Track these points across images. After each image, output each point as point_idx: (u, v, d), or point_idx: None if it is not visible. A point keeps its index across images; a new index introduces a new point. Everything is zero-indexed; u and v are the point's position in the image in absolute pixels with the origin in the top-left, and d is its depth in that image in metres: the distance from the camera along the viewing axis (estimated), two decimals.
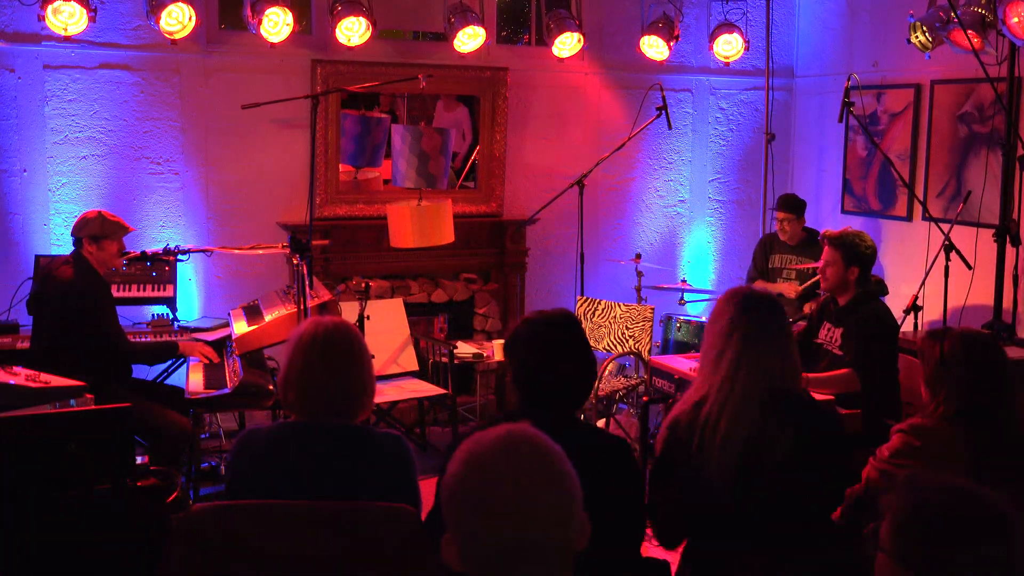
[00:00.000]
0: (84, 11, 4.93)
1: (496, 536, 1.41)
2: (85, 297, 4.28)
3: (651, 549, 3.06)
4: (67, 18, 4.93)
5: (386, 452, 2.48)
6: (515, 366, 2.48)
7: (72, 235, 4.40)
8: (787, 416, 2.58)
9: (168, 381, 5.14)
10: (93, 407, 3.23)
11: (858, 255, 4.20)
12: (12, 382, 3.71)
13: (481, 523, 1.41)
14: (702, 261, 7.04)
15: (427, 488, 2.49)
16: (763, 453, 2.54)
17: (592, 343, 5.61)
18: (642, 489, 2.50)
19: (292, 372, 2.51)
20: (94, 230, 4.33)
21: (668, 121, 5.89)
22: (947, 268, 5.07)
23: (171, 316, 5.33)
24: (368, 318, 5.17)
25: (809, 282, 5.70)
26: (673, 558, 2.77)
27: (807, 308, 5.46)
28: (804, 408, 2.65)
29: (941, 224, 5.22)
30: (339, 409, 2.49)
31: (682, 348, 5.78)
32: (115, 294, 5.11)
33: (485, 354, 5.77)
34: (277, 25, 5.32)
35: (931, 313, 5.54)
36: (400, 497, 2.33)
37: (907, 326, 4.98)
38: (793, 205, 5.90)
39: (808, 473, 2.57)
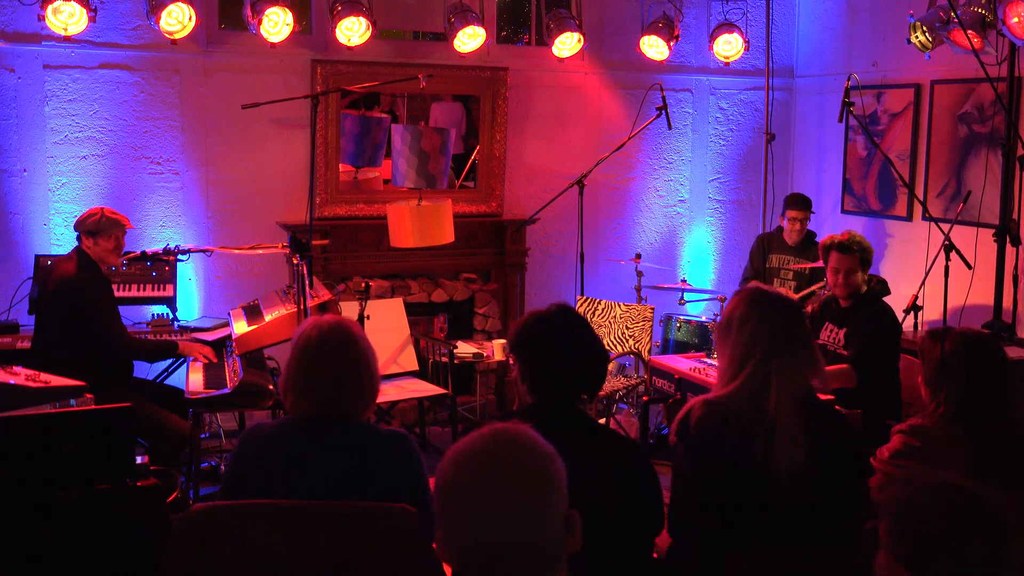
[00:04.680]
0: (84, 11, 4.93)
1: (477, 534, 1.41)
2: (84, 292, 4.29)
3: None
4: (67, 18, 4.93)
5: (391, 451, 2.48)
6: (522, 361, 2.46)
7: (74, 229, 4.44)
8: (805, 421, 2.56)
9: (168, 381, 5.15)
10: (93, 407, 3.22)
11: (869, 257, 4.25)
12: (12, 382, 3.71)
13: (463, 521, 1.43)
14: (702, 261, 7.04)
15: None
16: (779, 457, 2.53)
17: None
18: (658, 493, 2.48)
19: (291, 372, 2.51)
20: (90, 226, 4.36)
21: (668, 121, 5.90)
22: (947, 268, 5.07)
23: (171, 316, 5.33)
24: (368, 318, 5.16)
25: (807, 290, 5.70)
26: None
27: (809, 307, 5.46)
28: (821, 414, 2.63)
29: (941, 224, 5.22)
30: (337, 406, 2.48)
31: (682, 348, 5.78)
32: (115, 294, 5.12)
33: (485, 354, 5.77)
34: (277, 25, 5.32)
35: (931, 313, 5.54)
36: (406, 497, 2.33)
37: (907, 326, 4.97)
38: (807, 203, 5.93)
39: (822, 480, 2.55)
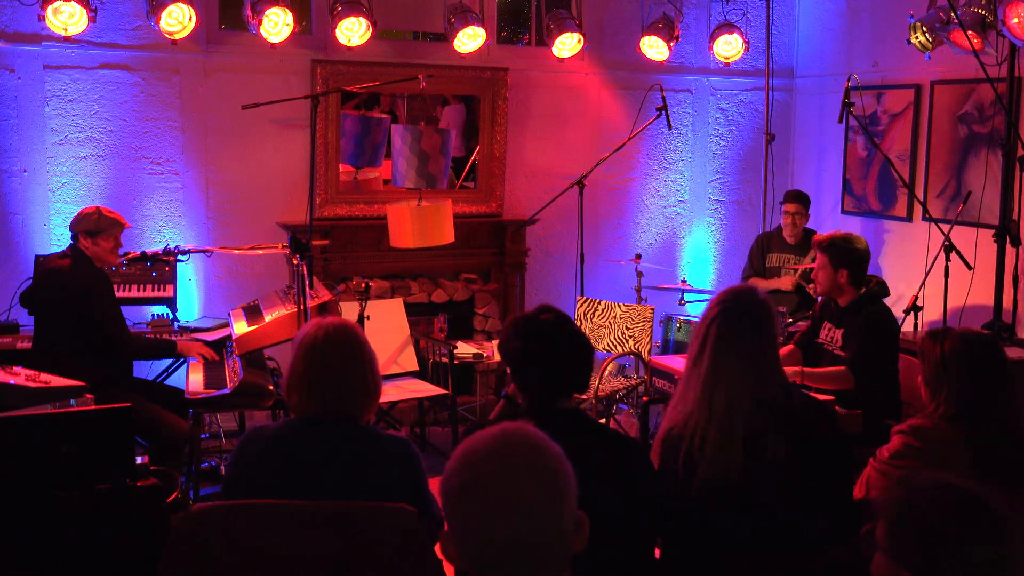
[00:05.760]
0: (84, 11, 4.93)
1: (488, 533, 1.41)
2: (83, 285, 4.27)
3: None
4: (67, 18, 4.93)
5: (391, 454, 2.48)
6: (508, 365, 2.50)
7: (70, 230, 4.41)
8: (780, 420, 2.57)
9: (168, 381, 5.15)
10: (93, 407, 3.22)
11: (845, 257, 4.19)
12: (12, 382, 3.71)
13: (474, 519, 1.42)
14: (702, 261, 7.04)
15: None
16: (758, 458, 2.54)
17: (592, 343, 5.63)
18: (657, 490, 2.49)
19: (294, 374, 2.51)
20: (89, 226, 4.33)
21: (668, 121, 5.90)
22: (947, 268, 5.07)
23: (171, 316, 5.33)
24: (368, 318, 5.16)
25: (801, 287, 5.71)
26: None
27: (811, 289, 5.46)
28: (799, 410, 2.64)
29: (941, 224, 5.22)
30: (340, 408, 2.49)
31: (682, 348, 5.77)
32: (115, 294, 5.11)
33: (485, 354, 5.77)
34: (277, 25, 5.32)
35: (931, 313, 5.55)
36: (406, 499, 2.33)
37: (907, 326, 4.98)
38: (804, 198, 5.93)
39: (806, 475, 2.57)
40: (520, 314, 2.58)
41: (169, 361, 5.14)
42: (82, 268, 4.30)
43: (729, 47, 6.50)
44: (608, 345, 5.69)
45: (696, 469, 2.55)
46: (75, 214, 4.46)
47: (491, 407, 6.15)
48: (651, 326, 5.61)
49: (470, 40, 5.85)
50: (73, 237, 4.38)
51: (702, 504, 2.58)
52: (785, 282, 5.84)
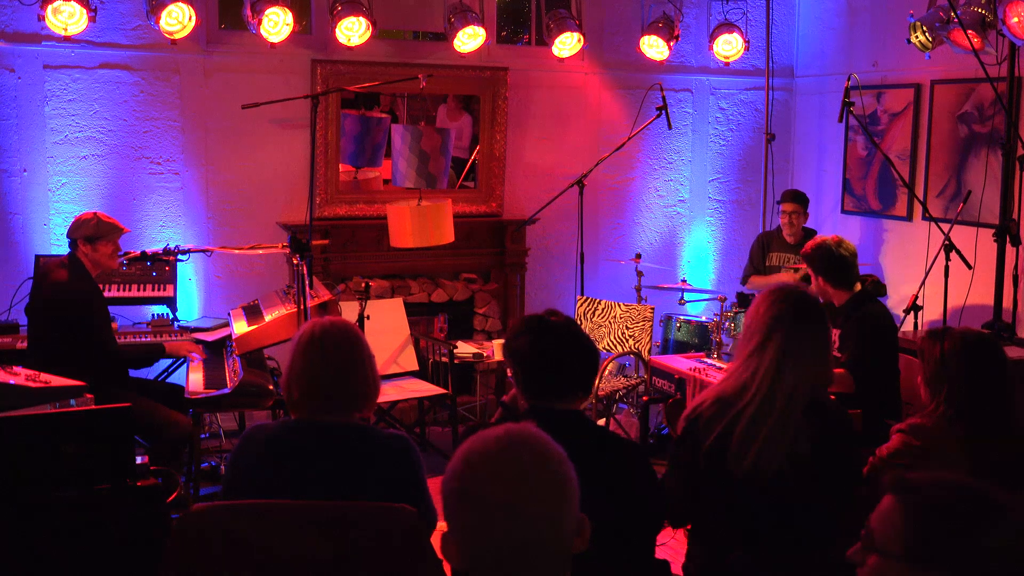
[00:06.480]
0: (84, 11, 4.93)
1: (489, 534, 1.41)
2: (76, 300, 4.26)
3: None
4: (67, 18, 4.93)
5: (392, 452, 2.48)
6: (513, 366, 2.50)
7: (68, 237, 4.38)
8: (814, 416, 2.59)
9: (168, 381, 5.14)
10: (93, 407, 3.22)
11: (818, 263, 4.24)
12: (12, 382, 3.70)
13: (475, 521, 1.42)
14: (702, 261, 7.04)
15: (430, 487, 2.50)
16: (795, 451, 2.56)
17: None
18: (656, 492, 2.50)
19: (293, 372, 2.52)
20: (88, 231, 4.31)
21: (668, 121, 5.90)
22: (947, 268, 5.07)
23: (171, 316, 5.33)
24: (368, 318, 5.17)
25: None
26: (675, 558, 2.77)
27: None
28: (822, 409, 2.66)
29: (941, 224, 5.22)
30: (340, 406, 2.49)
31: (682, 348, 5.78)
32: (115, 294, 5.12)
33: (485, 354, 5.77)
34: (277, 25, 5.32)
35: (931, 313, 5.54)
36: (406, 497, 2.33)
37: (907, 326, 4.98)
38: (802, 198, 5.93)
39: (826, 473, 2.58)
40: (529, 316, 2.58)
41: (168, 361, 5.14)
42: (75, 281, 4.28)
43: (729, 47, 6.50)
44: (608, 345, 5.69)
45: (731, 450, 2.55)
46: (72, 220, 4.42)
47: (491, 407, 6.16)
48: (651, 326, 5.61)
49: (470, 40, 5.85)
50: (71, 244, 4.35)
51: (739, 491, 2.59)
52: (786, 278, 5.83)
